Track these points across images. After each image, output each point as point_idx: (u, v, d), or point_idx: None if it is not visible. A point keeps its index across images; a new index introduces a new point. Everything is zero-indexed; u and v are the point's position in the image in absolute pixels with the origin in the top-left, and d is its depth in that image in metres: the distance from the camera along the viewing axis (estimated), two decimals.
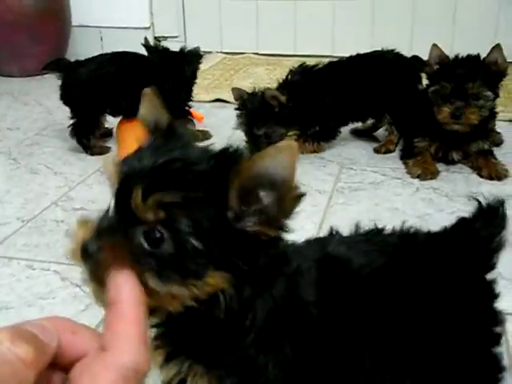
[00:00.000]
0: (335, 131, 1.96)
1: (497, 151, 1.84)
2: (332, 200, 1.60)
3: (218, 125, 2.17)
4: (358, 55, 1.96)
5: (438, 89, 1.70)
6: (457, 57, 1.70)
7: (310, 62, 2.01)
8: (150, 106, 0.63)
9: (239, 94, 1.85)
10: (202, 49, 3.13)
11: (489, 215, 0.81)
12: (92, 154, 1.95)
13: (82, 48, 2.99)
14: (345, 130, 2.06)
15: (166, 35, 3.28)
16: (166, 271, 0.53)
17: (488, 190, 1.64)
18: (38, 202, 1.62)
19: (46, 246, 1.40)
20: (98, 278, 0.51)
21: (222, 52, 3.18)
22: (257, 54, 3.13)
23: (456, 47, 1.78)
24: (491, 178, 1.70)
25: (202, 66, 2.88)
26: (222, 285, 0.56)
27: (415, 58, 1.98)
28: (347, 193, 1.64)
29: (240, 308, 0.60)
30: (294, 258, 0.67)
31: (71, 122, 1.94)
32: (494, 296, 0.81)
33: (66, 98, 1.94)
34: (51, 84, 2.52)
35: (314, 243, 0.77)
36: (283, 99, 1.79)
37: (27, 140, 2.09)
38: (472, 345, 0.79)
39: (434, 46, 1.73)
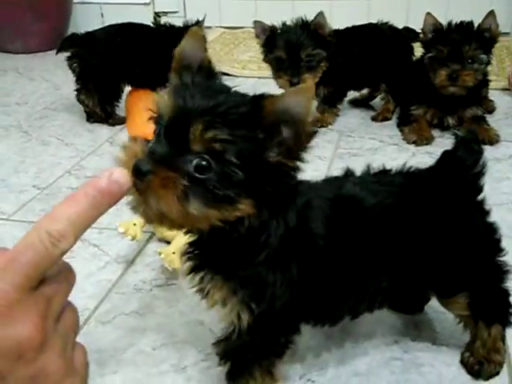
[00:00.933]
0: (344, 94, 2.04)
1: (489, 118, 1.92)
2: (332, 165, 1.68)
3: None
4: (354, 26, 2.03)
5: (434, 54, 1.77)
6: (450, 23, 1.77)
7: None
8: (194, 43, 0.70)
9: (263, 28, 1.90)
10: None
11: (467, 144, 0.89)
12: (113, 124, 2.02)
13: (83, 24, 3.03)
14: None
15: (165, 10, 3.33)
16: (206, 197, 0.63)
17: None
18: (51, 172, 1.70)
19: None
20: (142, 195, 0.61)
21: (221, 26, 3.23)
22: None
23: (450, 17, 1.84)
24: (484, 143, 1.77)
25: None
26: (249, 210, 0.66)
27: (407, 29, 2.06)
28: (346, 158, 1.72)
29: (257, 227, 0.70)
30: (306, 193, 0.77)
31: (95, 93, 1.99)
32: (486, 212, 0.91)
33: (85, 70, 1.98)
34: (55, 60, 2.58)
35: (331, 182, 0.87)
36: (327, 31, 1.83)
37: (36, 114, 2.16)
38: (477, 254, 0.89)
39: (428, 14, 1.80)
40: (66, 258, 1.32)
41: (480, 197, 0.91)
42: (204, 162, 0.62)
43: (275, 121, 0.64)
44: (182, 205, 0.62)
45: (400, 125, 1.93)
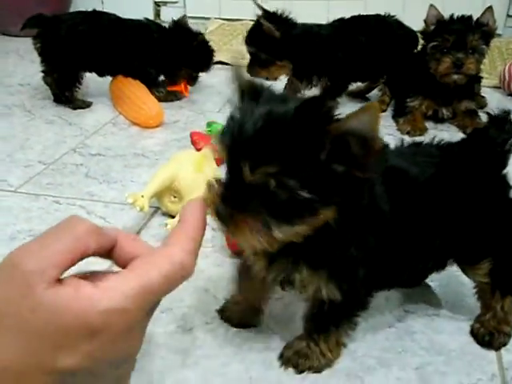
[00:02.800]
0: (344, 87, 2.10)
1: (481, 113, 1.98)
2: None
3: (221, 84, 2.31)
4: (361, 16, 2.07)
5: (438, 43, 1.84)
6: (452, 16, 1.84)
7: None
8: (237, 77, 0.73)
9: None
10: (201, 15, 3.25)
11: (500, 124, 0.95)
12: (74, 108, 2.04)
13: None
14: None
15: (165, 0, 3.37)
16: (285, 219, 0.67)
17: None
18: (56, 149, 1.74)
19: (69, 185, 1.52)
20: (229, 231, 0.68)
21: (220, 18, 3.28)
22: (253, 20, 3.22)
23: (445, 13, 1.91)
24: None
25: (202, 30, 3.01)
26: (331, 215, 0.70)
27: (412, 30, 2.11)
28: None
29: (343, 223, 0.74)
30: None
31: (54, 76, 2.03)
32: (510, 186, 0.97)
33: (46, 52, 2.01)
34: None
35: None
36: (277, 35, 1.89)
37: (39, 95, 2.18)
38: (503, 222, 0.96)
39: (432, 6, 1.86)
40: None
41: (504, 171, 0.97)
42: (269, 193, 0.65)
43: (342, 141, 0.64)
44: (267, 234, 0.67)
45: (395, 116, 1.99)
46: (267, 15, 1.94)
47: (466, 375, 0.94)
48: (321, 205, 0.68)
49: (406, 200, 0.85)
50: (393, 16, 2.10)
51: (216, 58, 2.56)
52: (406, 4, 3.00)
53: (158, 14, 3.40)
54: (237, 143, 0.65)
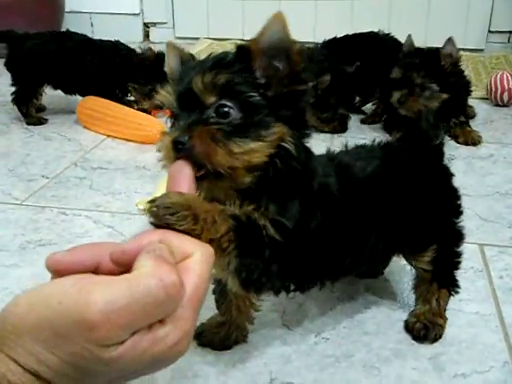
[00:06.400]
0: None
1: (470, 123, 2.04)
2: None
3: None
4: (356, 34, 2.17)
5: (392, 75, 1.91)
6: (417, 48, 1.90)
7: None
8: (173, 53, 0.79)
9: None
10: (190, 35, 3.30)
11: (428, 119, 1.04)
12: (28, 124, 2.10)
13: None
14: None
15: (155, 21, 3.42)
16: (242, 133, 0.70)
17: (465, 153, 1.84)
18: (58, 163, 1.76)
19: (74, 196, 1.54)
20: (194, 158, 0.66)
21: (209, 38, 3.33)
22: (242, 40, 3.28)
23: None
24: (467, 144, 1.90)
25: (191, 50, 3.06)
26: (284, 134, 0.72)
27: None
28: None
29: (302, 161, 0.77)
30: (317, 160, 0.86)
31: (13, 89, 2.10)
32: (451, 175, 1.05)
33: (10, 66, 2.10)
34: None
35: (324, 156, 0.95)
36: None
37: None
38: (445, 211, 1.03)
39: (409, 36, 1.92)
40: (83, 237, 1.36)
41: (445, 161, 1.05)
42: (223, 107, 0.69)
43: (267, 57, 0.71)
44: (226, 148, 0.69)
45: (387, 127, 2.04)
46: None
47: (479, 363, 0.97)
48: (273, 118, 0.71)
49: (352, 189, 0.89)
50: (388, 34, 2.17)
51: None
52: (391, 21, 3.08)
53: (147, 35, 3.44)
54: (189, 81, 0.71)
